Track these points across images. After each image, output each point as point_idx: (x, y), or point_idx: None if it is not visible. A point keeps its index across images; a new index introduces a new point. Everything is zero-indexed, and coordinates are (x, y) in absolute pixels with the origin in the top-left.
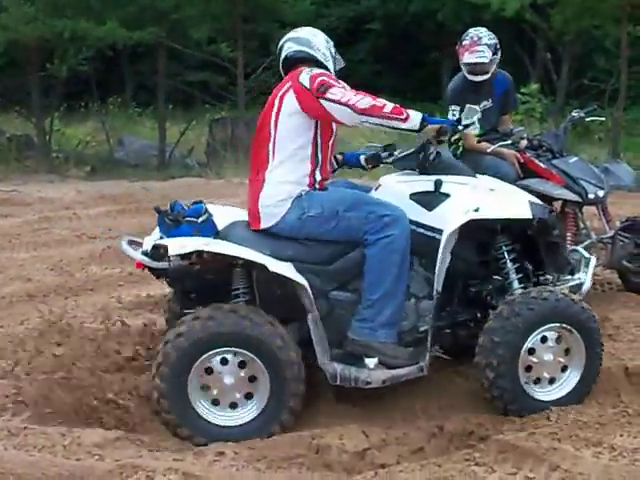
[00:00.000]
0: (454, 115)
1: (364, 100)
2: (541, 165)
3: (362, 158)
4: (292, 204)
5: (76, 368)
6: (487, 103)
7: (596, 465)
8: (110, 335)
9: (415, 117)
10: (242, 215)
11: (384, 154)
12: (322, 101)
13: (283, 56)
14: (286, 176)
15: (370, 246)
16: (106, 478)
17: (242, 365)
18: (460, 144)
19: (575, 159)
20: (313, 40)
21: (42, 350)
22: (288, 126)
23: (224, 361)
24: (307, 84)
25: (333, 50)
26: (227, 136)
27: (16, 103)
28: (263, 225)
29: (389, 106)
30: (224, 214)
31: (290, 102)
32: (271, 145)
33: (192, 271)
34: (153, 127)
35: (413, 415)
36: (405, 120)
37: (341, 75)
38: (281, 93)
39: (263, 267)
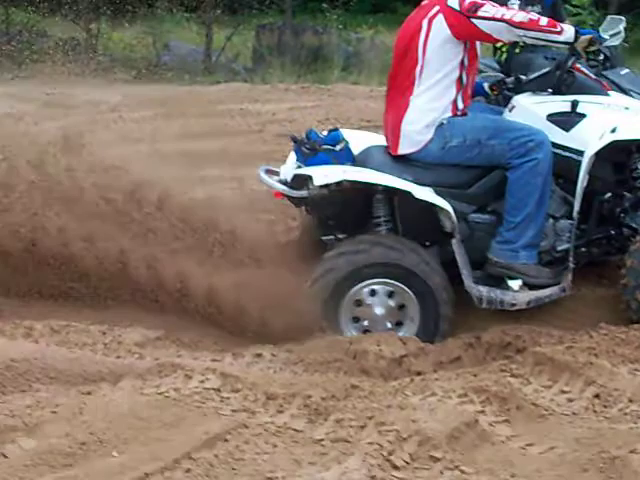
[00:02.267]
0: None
1: (519, 14)
2: (591, 75)
3: (486, 85)
4: (434, 133)
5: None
6: (536, 9)
7: (632, 382)
8: None
9: (568, 29)
10: (376, 139)
11: (509, 79)
12: (474, 20)
13: None
14: (431, 103)
15: (514, 170)
16: (145, 376)
17: (391, 294)
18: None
19: (627, 71)
20: None
21: None
22: (437, 51)
23: (373, 292)
24: (456, 6)
25: None
26: (274, 42)
27: (63, 6)
28: (403, 150)
29: (543, 19)
30: (358, 139)
31: (440, 26)
32: (418, 69)
33: (332, 199)
34: (199, 32)
35: (451, 325)
36: (560, 33)
37: None
38: (429, 16)
39: (407, 194)
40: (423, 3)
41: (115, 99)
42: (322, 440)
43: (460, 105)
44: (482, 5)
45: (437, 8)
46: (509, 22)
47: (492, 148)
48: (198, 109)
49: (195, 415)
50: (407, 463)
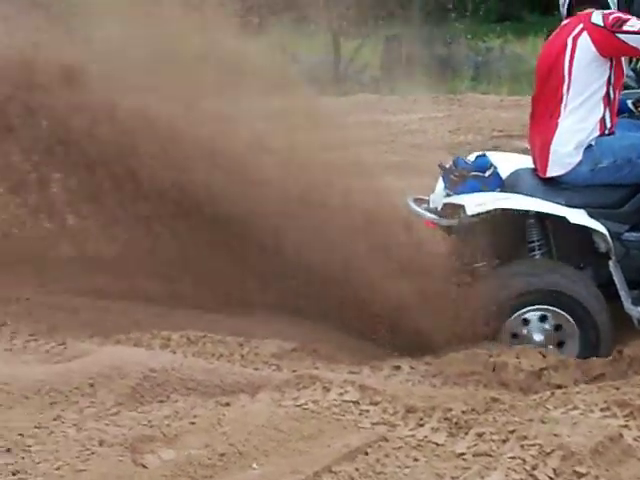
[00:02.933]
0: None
1: None
2: None
3: (629, 102)
4: (583, 155)
5: None
6: None
7: None
8: None
9: None
10: (523, 161)
11: None
12: (620, 35)
13: None
14: (579, 123)
15: None
16: (283, 388)
17: (546, 317)
18: None
19: None
20: None
21: None
22: (584, 70)
23: (536, 316)
24: (600, 22)
25: None
26: (401, 53)
27: None
28: (552, 173)
29: None
30: (505, 162)
31: (585, 45)
32: (564, 89)
33: (484, 226)
34: (327, 42)
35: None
36: None
37: None
38: (573, 35)
39: (561, 218)
40: (565, 22)
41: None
42: (464, 454)
43: (608, 123)
44: (627, 20)
45: (581, 26)
46: None
47: None
48: (329, 120)
49: (334, 428)
50: (551, 478)
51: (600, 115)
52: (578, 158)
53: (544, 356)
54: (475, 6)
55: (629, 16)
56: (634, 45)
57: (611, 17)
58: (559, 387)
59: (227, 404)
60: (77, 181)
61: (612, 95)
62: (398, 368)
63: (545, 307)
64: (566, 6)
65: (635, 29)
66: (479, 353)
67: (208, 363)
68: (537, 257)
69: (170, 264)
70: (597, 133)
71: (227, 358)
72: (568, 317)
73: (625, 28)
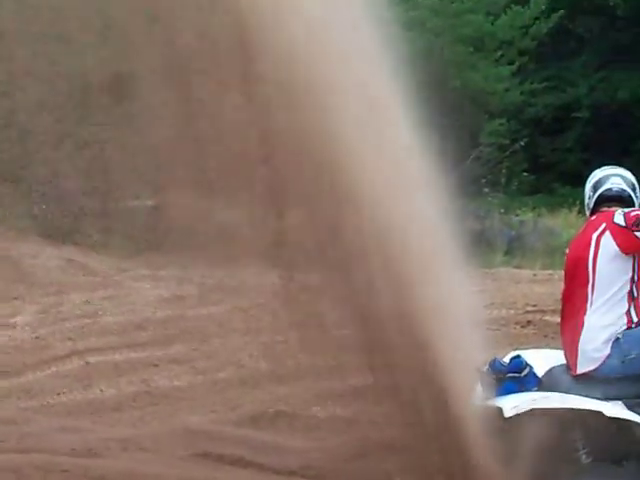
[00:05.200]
0: None
1: None
2: None
3: None
4: (612, 349)
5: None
6: None
7: None
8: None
9: None
10: (557, 357)
11: None
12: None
13: (605, 188)
14: (604, 320)
15: None
16: None
17: None
18: None
19: None
20: (636, 183)
21: None
22: (607, 270)
23: None
24: (622, 222)
25: None
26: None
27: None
28: (582, 369)
29: None
30: (540, 360)
31: (608, 244)
32: (589, 288)
33: (525, 426)
34: None
35: None
36: None
37: (549, 163)
38: (597, 234)
39: (597, 413)
40: (592, 219)
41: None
42: None
43: (634, 317)
44: None
45: (604, 225)
46: None
47: None
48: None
49: None
50: None
51: (625, 309)
52: (607, 352)
53: None
54: (508, 180)
55: None
56: None
57: (632, 215)
58: None
59: None
60: None
61: (636, 291)
62: None
63: None
64: (590, 207)
65: None
66: None
67: None
68: (580, 455)
69: None
70: (624, 327)
71: None
72: None
73: None
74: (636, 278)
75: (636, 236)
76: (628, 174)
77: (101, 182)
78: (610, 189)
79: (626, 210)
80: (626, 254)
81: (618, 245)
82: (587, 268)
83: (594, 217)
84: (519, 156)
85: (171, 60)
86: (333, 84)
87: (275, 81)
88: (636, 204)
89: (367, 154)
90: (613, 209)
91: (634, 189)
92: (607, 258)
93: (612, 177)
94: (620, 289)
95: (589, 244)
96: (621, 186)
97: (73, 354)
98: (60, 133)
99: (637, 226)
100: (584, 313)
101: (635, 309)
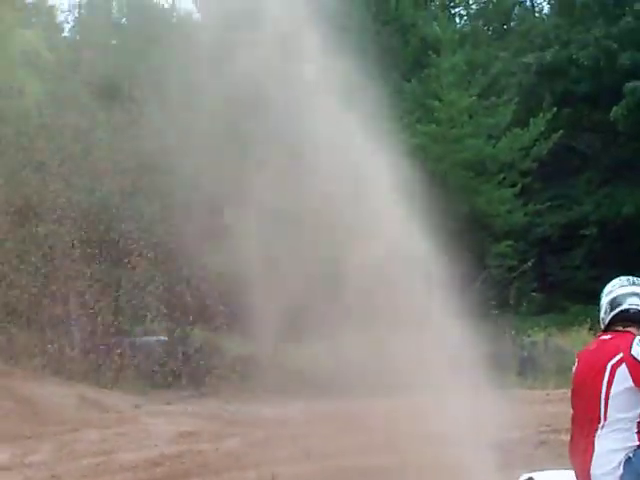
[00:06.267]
0: None
1: None
2: None
3: None
4: (624, 469)
5: None
6: None
7: None
8: None
9: None
10: (567, 477)
11: None
12: None
13: (622, 308)
14: (615, 443)
15: None
16: None
17: None
18: None
19: None
20: None
21: None
22: (620, 400)
23: None
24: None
25: None
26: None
27: (240, 323)
28: None
29: None
30: None
31: (623, 377)
32: (601, 413)
33: None
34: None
35: None
36: None
37: (558, 281)
38: (612, 363)
39: None
40: (606, 338)
41: (294, 414)
42: None
43: None
44: None
45: (620, 355)
46: None
47: None
48: (377, 423)
49: None
50: None
51: (635, 430)
52: (619, 472)
53: None
54: (517, 300)
55: None
56: None
57: None
58: None
59: None
60: None
61: None
62: None
63: None
64: (606, 322)
65: None
66: None
67: None
68: None
69: None
70: (635, 446)
71: None
72: None
73: None
74: None
75: None
76: None
77: (113, 318)
78: (628, 310)
79: None
80: (637, 388)
81: (634, 379)
82: (599, 396)
83: (609, 336)
84: (528, 276)
85: None
86: None
87: None
88: None
89: None
90: (630, 330)
91: None
92: (621, 389)
93: (629, 297)
94: (631, 417)
95: (603, 371)
96: (638, 306)
97: None
98: (71, 270)
99: None
100: (593, 438)
101: None
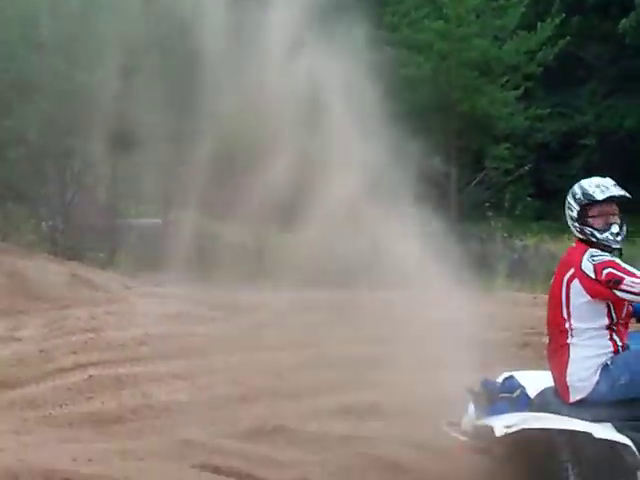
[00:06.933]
0: None
1: None
2: None
3: None
4: (601, 375)
5: None
6: None
7: None
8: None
9: None
10: (548, 379)
11: None
12: (618, 292)
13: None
14: (588, 351)
15: None
16: None
17: None
18: None
19: None
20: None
21: None
22: (582, 312)
23: None
24: (591, 274)
25: None
26: (438, 247)
27: (234, 210)
28: (574, 399)
29: None
30: (532, 381)
31: (577, 290)
32: (567, 326)
33: (516, 446)
34: None
35: None
36: None
37: (554, 189)
38: (567, 278)
39: (586, 434)
40: (571, 246)
41: (280, 304)
42: None
43: (619, 342)
44: (622, 279)
45: (572, 271)
46: None
47: None
48: (366, 313)
49: None
50: None
51: (607, 337)
52: (595, 379)
53: None
54: (512, 204)
55: (621, 272)
56: (628, 299)
57: (604, 273)
58: None
59: None
60: None
61: (615, 319)
62: None
63: None
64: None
65: (634, 290)
66: None
67: None
68: (569, 476)
69: None
70: (611, 353)
71: None
72: None
73: (623, 287)
74: (614, 314)
75: (612, 292)
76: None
77: (108, 200)
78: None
79: (596, 259)
80: (597, 299)
81: (589, 293)
82: (562, 310)
83: (574, 246)
84: (524, 181)
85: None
86: None
87: None
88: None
89: None
90: (583, 249)
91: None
92: (580, 302)
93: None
94: (600, 325)
95: (561, 285)
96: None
97: (76, 367)
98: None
99: (612, 285)
100: (567, 347)
101: (617, 334)
